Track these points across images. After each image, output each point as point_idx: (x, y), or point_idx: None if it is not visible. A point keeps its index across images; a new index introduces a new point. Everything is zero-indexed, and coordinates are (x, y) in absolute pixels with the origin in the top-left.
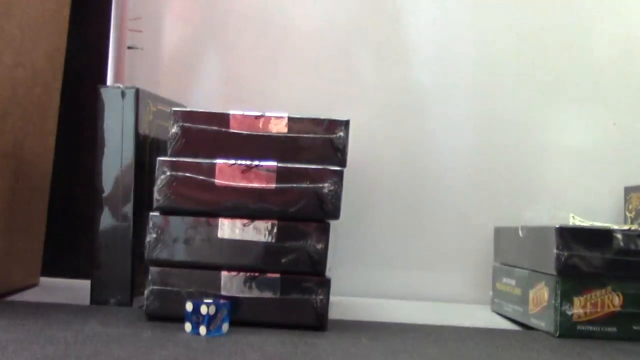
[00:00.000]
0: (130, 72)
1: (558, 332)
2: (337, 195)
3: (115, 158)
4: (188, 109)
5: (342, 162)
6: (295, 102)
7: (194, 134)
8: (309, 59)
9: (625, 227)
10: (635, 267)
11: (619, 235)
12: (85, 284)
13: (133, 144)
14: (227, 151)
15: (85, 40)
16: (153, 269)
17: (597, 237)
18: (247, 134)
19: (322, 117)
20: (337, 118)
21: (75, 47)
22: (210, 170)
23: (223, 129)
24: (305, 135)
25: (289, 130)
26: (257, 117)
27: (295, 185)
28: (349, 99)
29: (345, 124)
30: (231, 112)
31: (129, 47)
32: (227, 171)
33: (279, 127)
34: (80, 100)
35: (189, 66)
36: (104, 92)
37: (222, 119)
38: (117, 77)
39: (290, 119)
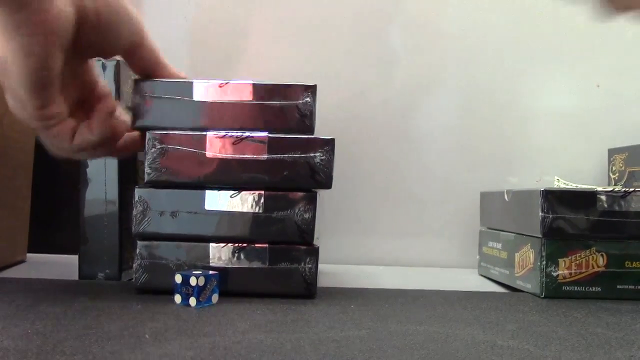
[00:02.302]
0: None
1: (544, 293)
2: (329, 165)
3: None
4: (151, 80)
5: (309, 129)
6: (271, 68)
7: (157, 104)
8: (286, 24)
9: (609, 189)
10: (619, 228)
11: (603, 197)
12: (73, 259)
13: None
14: (191, 120)
15: None
16: (141, 243)
17: (582, 199)
18: (211, 102)
19: (289, 82)
20: (303, 83)
21: None
22: (201, 142)
23: (186, 98)
24: (270, 103)
25: (254, 98)
26: (220, 85)
27: (286, 155)
28: (331, 65)
29: (312, 89)
30: (194, 80)
31: None
32: (217, 143)
33: (243, 95)
34: None
35: (170, 37)
36: None
37: (186, 87)
38: None
39: (254, 86)
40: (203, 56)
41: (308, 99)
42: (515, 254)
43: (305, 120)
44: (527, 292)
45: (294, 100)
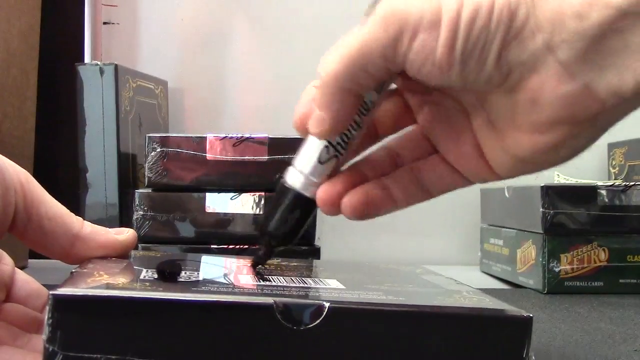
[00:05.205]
0: (108, 48)
1: (546, 289)
2: None
3: (98, 137)
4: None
5: None
6: (266, 68)
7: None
8: (280, 23)
9: (609, 183)
10: (620, 222)
11: (604, 191)
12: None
13: (114, 122)
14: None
15: (59, 17)
16: (142, 246)
17: (582, 194)
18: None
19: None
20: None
21: (50, 25)
22: (201, 144)
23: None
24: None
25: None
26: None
27: (287, 156)
28: None
29: None
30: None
31: (104, 23)
32: (217, 145)
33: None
34: (58, 79)
35: (167, 40)
36: (81, 70)
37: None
38: (95, 54)
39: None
40: (197, 57)
41: None
42: (517, 250)
43: None
44: (530, 288)
45: None
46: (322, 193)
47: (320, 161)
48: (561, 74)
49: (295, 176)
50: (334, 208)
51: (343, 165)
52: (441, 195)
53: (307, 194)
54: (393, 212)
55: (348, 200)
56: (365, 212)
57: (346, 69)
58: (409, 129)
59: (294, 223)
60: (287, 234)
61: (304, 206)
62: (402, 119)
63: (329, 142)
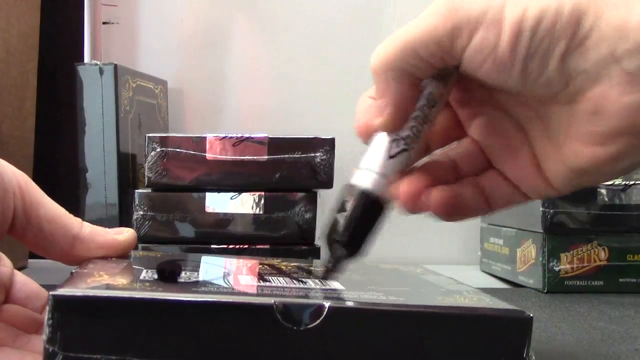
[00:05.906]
0: (107, 48)
1: (546, 288)
2: (329, 164)
3: (97, 136)
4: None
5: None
6: (267, 68)
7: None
8: (280, 22)
9: (609, 182)
10: (620, 221)
11: (604, 191)
12: None
13: (114, 122)
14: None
15: (59, 17)
16: (142, 246)
17: (582, 193)
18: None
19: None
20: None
21: (50, 25)
22: (201, 144)
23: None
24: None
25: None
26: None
27: (287, 155)
28: (329, 62)
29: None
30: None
31: (104, 23)
32: (217, 145)
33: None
34: (58, 79)
35: (167, 40)
36: (81, 70)
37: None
38: (94, 54)
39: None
40: (197, 57)
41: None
42: (517, 250)
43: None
44: (530, 288)
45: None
46: (406, 187)
47: (390, 155)
48: (625, 84)
49: (365, 176)
50: (417, 203)
51: (413, 165)
52: (503, 209)
53: (380, 193)
54: (465, 219)
55: (439, 195)
56: (454, 209)
57: (397, 53)
58: (466, 141)
59: (368, 227)
60: (361, 240)
61: (378, 206)
62: (452, 131)
63: (397, 135)
